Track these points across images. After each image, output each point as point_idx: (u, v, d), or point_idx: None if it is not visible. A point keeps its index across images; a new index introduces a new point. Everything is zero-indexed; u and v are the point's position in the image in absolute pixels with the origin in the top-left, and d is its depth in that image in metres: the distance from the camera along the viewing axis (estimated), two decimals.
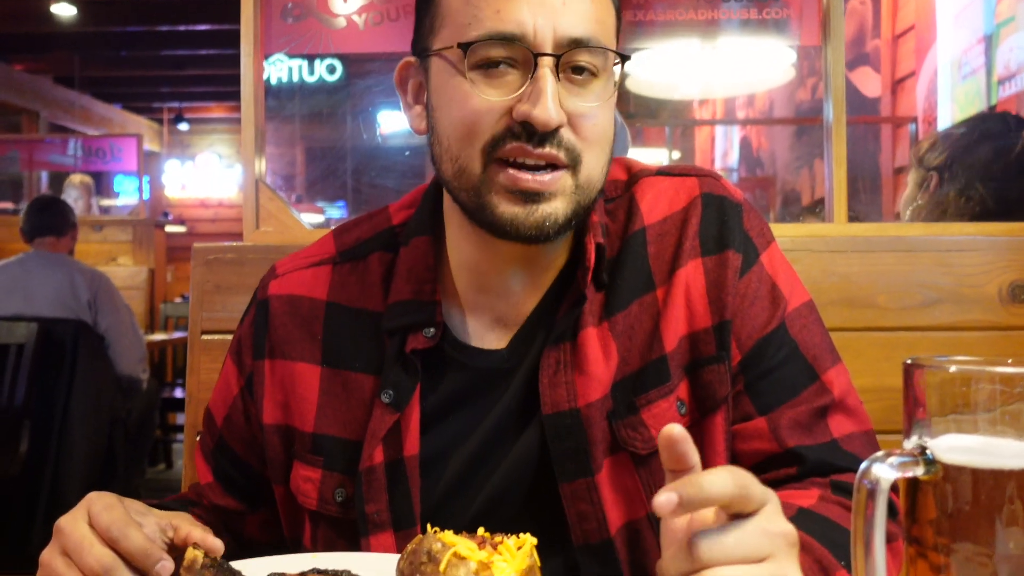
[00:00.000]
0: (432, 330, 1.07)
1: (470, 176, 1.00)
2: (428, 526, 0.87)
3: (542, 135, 0.96)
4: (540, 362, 1.06)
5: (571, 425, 1.03)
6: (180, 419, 6.06)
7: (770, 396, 1.06)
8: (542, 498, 1.06)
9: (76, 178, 7.08)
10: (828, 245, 1.66)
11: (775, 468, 1.04)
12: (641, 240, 1.10)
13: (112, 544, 0.86)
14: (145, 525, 0.90)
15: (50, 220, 4.37)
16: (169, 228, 8.06)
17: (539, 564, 0.84)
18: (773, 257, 1.10)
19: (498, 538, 0.85)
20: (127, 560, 0.86)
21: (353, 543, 1.08)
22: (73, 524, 0.88)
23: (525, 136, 0.96)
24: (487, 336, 1.10)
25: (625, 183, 1.15)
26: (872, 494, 0.64)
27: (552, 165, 0.98)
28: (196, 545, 0.89)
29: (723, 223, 1.09)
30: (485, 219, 1.01)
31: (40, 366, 3.70)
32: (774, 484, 1.01)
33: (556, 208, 0.98)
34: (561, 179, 0.98)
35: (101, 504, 0.89)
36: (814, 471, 1.02)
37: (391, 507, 1.05)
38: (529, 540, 0.84)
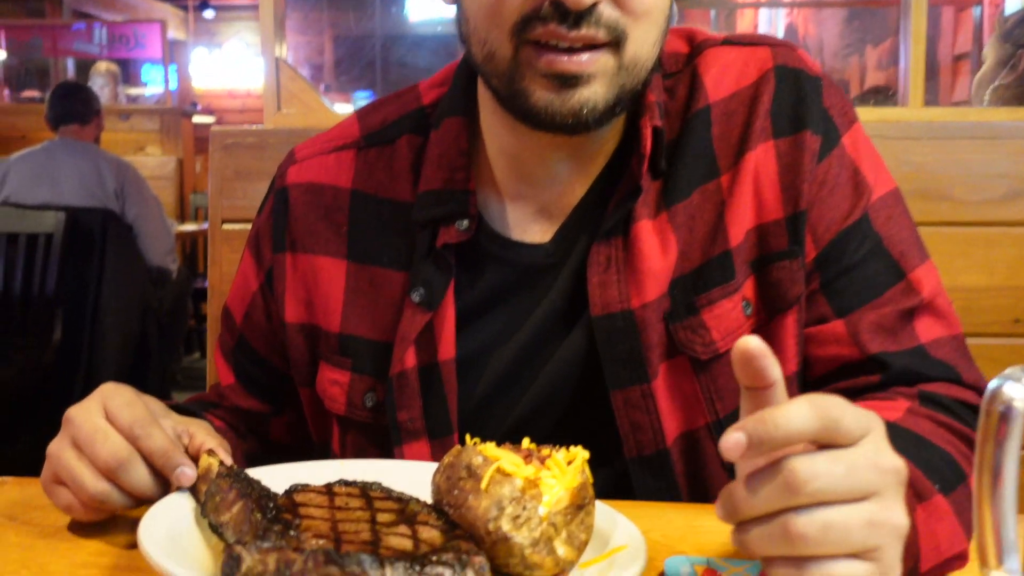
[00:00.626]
0: (466, 222, 0.97)
1: (500, 61, 0.89)
2: (467, 437, 0.78)
3: (577, 14, 0.83)
4: (588, 259, 0.95)
5: (624, 328, 0.93)
6: None
7: (850, 296, 0.94)
8: (589, 406, 0.97)
9: (102, 66, 6.93)
10: (902, 131, 1.50)
11: (854, 376, 0.94)
12: (705, 120, 0.97)
13: (133, 442, 0.79)
14: (164, 427, 0.83)
15: (74, 107, 4.26)
16: (197, 118, 7.90)
17: (591, 480, 0.75)
18: (856, 139, 0.98)
19: (545, 451, 0.76)
20: (145, 459, 0.80)
21: (385, 450, 1.00)
22: (86, 415, 0.80)
23: (557, 17, 0.84)
24: (529, 228, 1.00)
25: (687, 55, 1.02)
26: (1006, 417, 0.53)
27: (590, 45, 0.86)
28: (211, 452, 0.81)
29: (799, 100, 0.96)
30: (518, 108, 0.90)
31: (69, 255, 3.67)
32: (853, 394, 0.92)
33: (595, 92, 0.87)
34: (600, 59, 0.86)
35: (121, 399, 0.82)
36: (899, 380, 0.92)
37: (425, 414, 0.97)
38: (581, 454, 0.74)
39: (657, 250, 0.94)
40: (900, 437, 0.81)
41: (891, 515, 0.59)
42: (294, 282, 1.05)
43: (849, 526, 0.57)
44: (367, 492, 0.78)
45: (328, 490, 0.78)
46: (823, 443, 0.59)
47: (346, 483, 0.80)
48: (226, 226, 1.59)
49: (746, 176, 0.96)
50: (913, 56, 1.64)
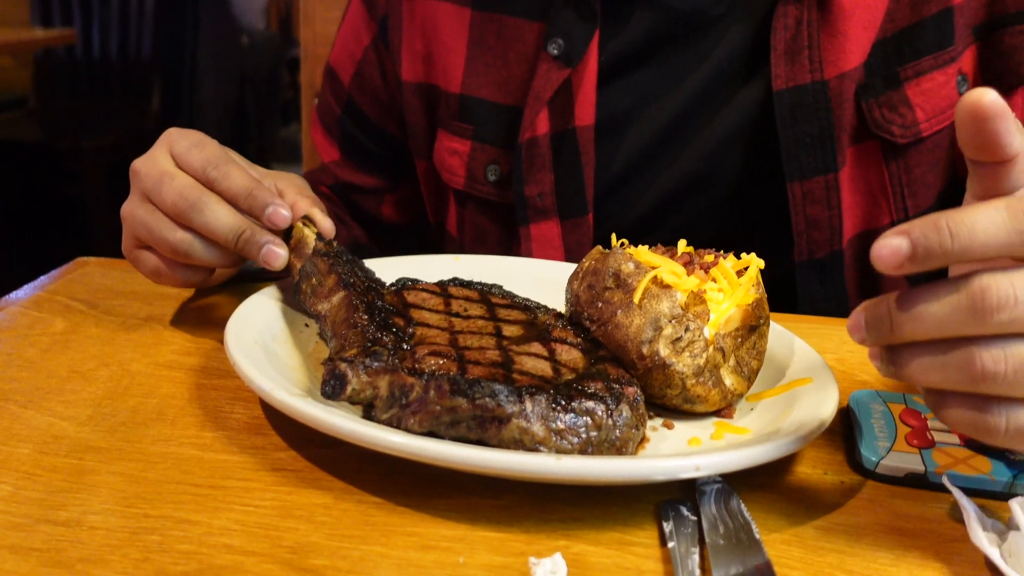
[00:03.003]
0: None
1: None
2: (613, 237, 0.63)
3: None
4: (773, 20, 0.75)
5: (813, 104, 0.75)
6: None
7: None
8: (751, 194, 0.81)
9: None
10: None
11: None
12: None
13: (209, 185, 0.65)
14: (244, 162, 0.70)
15: None
16: None
17: (766, 296, 0.60)
18: None
19: (709, 256, 0.61)
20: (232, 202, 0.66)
21: (509, 230, 0.87)
22: (152, 163, 0.67)
23: None
24: None
25: None
26: None
27: None
28: (307, 220, 0.68)
29: None
30: None
31: (164, 19, 3.53)
32: None
33: None
34: None
35: (188, 141, 0.67)
36: None
37: (557, 189, 0.83)
38: (755, 262, 0.60)
39: (864, 5, 0.75)
40: None
41: None
42: (411, 33, 0.89)
43: None
44: (487, 296, 0.65)
45: (443, 290, 0.66)
46: (1017, 256, 0.42)
47: (462, 283, 0.67)
48: None
49: None
50: None
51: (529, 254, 0.85)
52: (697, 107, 0.81)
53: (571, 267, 0.74)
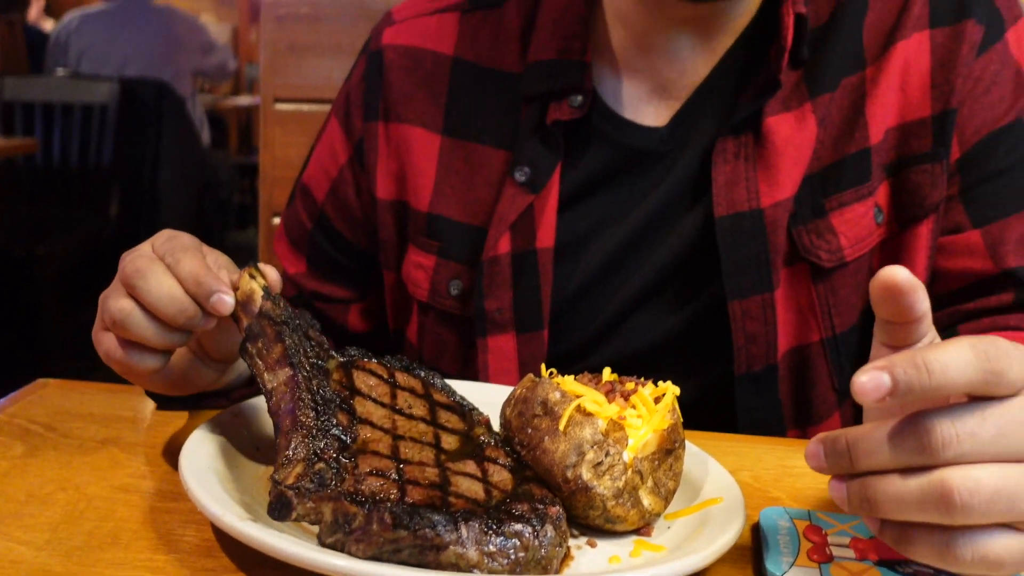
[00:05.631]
0: (580, 98, 0.87)
1: None
2: (543, 367, 0.69)
3: None
4: (714, 155, 0.84)
5: (751, 228, 0.83)
6: None
7: (992, 206, 0.85)
8: (692, 311, 0.88)
9: None
10: None
11: (983, 294, 0.85)
12: (860, 6, 0.86)
13: (170, 268, 0.67)
14: (212, 261, 0.71)
15: None
16: None
17: (682, 420, 0.66)
18: (1021, 35, 0.86)
19: (629, 384, 0.67)
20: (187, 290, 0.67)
21: (467, 342, 0.92)
22: (133, 250, 0.70)
23: None
24: (643, 108, 0.90)
25: None
26: None
27: None
28: (253, 273, 0.70)
29: None
30: None
31: (125, 127, 3.61)
32: (982, 314, 0.84)
33: None
34: None
35: (167, 235, 0.71)
36: None
37: (515, 305, 0.88)
38: (670, 390, 0.66)
39: (794, 144, 0.84)
40: None
41: None
42: (386, 155, 0.95)
43: (1014, 491, 0.46)
44: (429, 389, 0.70)
45: (390, 375, 0.69)
46: (978, 394, 0.48)
47: (407, 367, 0.71)
48: (278, 106, 1.48)
49: (893, 69, 0.85)
50: None
51: (485, 365, 0.90)
52: (647, 231, 0.88)
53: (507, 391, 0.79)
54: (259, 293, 0.68)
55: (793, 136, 0.84)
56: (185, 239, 0.71)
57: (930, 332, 0.54)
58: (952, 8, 0.85)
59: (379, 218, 0.97)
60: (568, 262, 0.90)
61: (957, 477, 0.46)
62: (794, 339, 0.87)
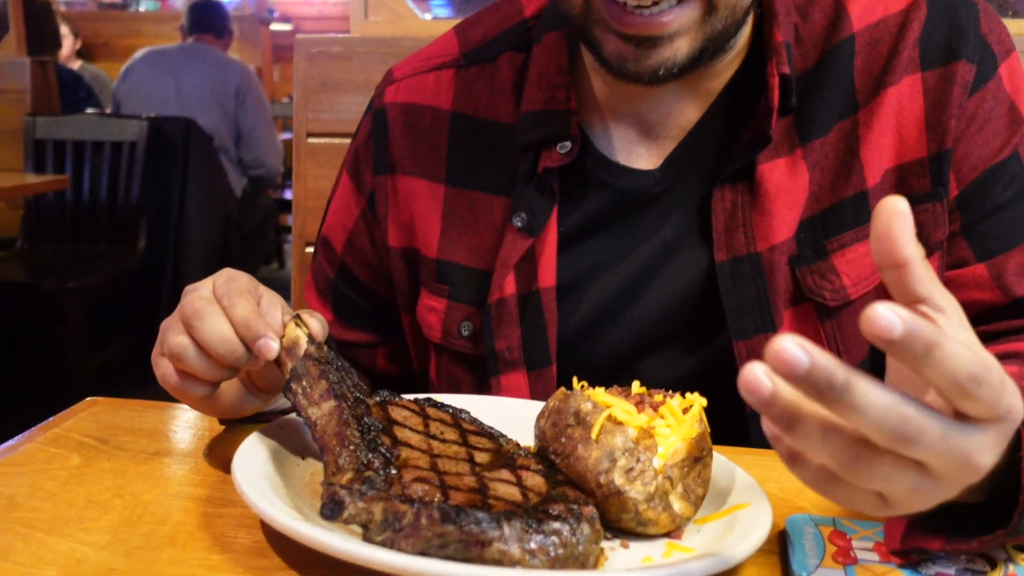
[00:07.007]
0: (568, 145, 0.90)
1: (571, 3, 0.82)
2: (575, 380, 0.72)
3: None
4: (712, 204, 0.88)
5: (750, 272, 0.86)
6: (291, 220, 6.13)
7: (994, 239, 0.87)
8: (698, 348, 0.90)
9: None
10: None
11: (996, 320, 0.87)
12: (848, 51, 0.88)
13: (225, 311, 0.72)
14: (266, 303, 0.76)
15: (213, 21, 4.47)
16: (275, 26, 7.85)
17: (709, 430, 0.69)
18: (1014, 70, 0.88)
19: (658, 396, 0.70)
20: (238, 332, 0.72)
21: (482, 380, 0.96)
22: (196, 286, 0.75)
23: None
24: (634, 152, 0.92)
25: None
26: None
27: None
28: (299, 322, 0.74)
29: (954, 27, 0.86)
30: (593, 52, 0.83)
31: (152, 164, 3.69)
32: (994, 336, 0.86)
33: (677, 50, 0.79)
34: (685, 14, 0.77)
35: (227, 275, 0.76)
36: None
37: (523, 344, 0.92)
38: (698, 400, 0.69)
39: (787, 189, 0.87)
40: None
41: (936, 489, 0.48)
42: (395, 205, 1.00)
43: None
44: (458, 421, 0.74)
45: (421, 410, 0.74)
46: (953, 401, 0.47)
47: (435, 404, 0.76)
48: (311, 140, 1.54)
49: (886, 112, 0.87)
50: None
51: None
52: (648, 272, 0.91)
53: (531, 404, 0.82)
54: (304, 339, 0.73)
55: (786, 182, 0.87)
56: (243, 281, 0.75)
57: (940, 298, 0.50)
58: (942, 50, 0.86)
59: (392, 264, 1.01)
60: (571, 300, 0.93)
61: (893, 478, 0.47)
62: None
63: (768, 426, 0.49)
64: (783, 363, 0.43)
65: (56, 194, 3.73)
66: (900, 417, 0.44)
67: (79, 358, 3.31)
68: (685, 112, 0.91)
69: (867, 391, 0.44)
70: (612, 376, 0.93)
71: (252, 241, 4.62)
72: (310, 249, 1.51)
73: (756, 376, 0.45)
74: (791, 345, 0.43)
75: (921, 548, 0.60)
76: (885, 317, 0.42)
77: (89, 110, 4.60)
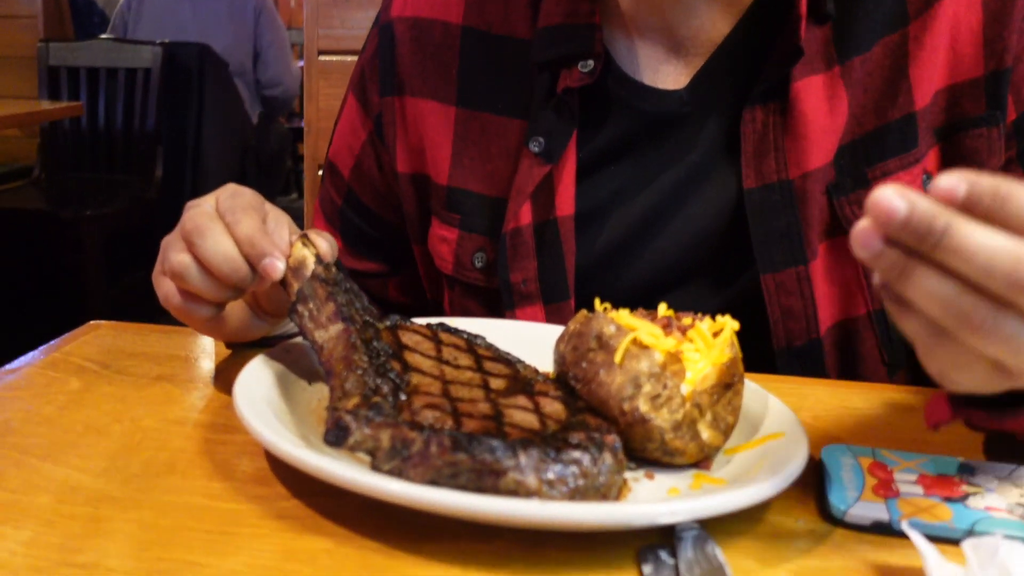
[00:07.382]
0: (590, 63, 0.83)
1: None
2: (596, 301, 0.68)
3: None
4: (741, 126, 0.81)
5: (780, 201, 0.80)
6: None
7: None
8: (725, 282, 0.85)
9: None
10: None
11: None
12: None
13: (228, 228, 0.68)
14: (272, 221, 0.71)
15: None
16: None
17: (741, 355, 0.64)
18: None
19: (686, 319, 0.65)
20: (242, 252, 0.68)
21: (496, 314, 0.91)
22: (198, 201, 0.71)
23: None
24: (660, 70, 0.86)
25: None
26: None
27: None
28: (306, 241, 0.70)
29: None
30: None
31: (167, 91, 3.63)
32: None
33: None
34: None
35: (231, 191, 0.71)
36: None
37: (540, 276, 0.87)
38: (729, 324, 0.64)
39: (824, 110, 0.80)
40: None
41: None
42: (403, 129, 0.94)
43: None
44: (473, 346, 0.70)
45: (433, 335, 0.70)
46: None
47: (449, 329, 0.72)
48: (323, 58, 1.48)
49: (940, 27, 0.80)
50: None
51: None
52: (672, 200, 0.86)
53: (549, 328, 0.78)
54: (311, 259, 0.69)
55: (824, 102, 0.80)
56: (248, 197, 0.71)
57: None
58: None
59: (402, 191, 0.96)
60: (591, 230, 0.88)
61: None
62: (839, 313, 0.84)
63: (877, 276, 0.45)
64: (882, 213, 0.41)
65: (72, 123, 3.69)
66: (1016, 260, 0.39)
67: (97, 287, 3.30)
68: (716, 24, 0.84)
69: (971, 232, 0.40)
70: (633, 310, 0.88)
71: (269, 170, 4.57)
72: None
73: (865, 230, 0.42)
74: (889, 193, 0.40)
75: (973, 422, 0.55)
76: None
77: (103, 36, 4.52)
